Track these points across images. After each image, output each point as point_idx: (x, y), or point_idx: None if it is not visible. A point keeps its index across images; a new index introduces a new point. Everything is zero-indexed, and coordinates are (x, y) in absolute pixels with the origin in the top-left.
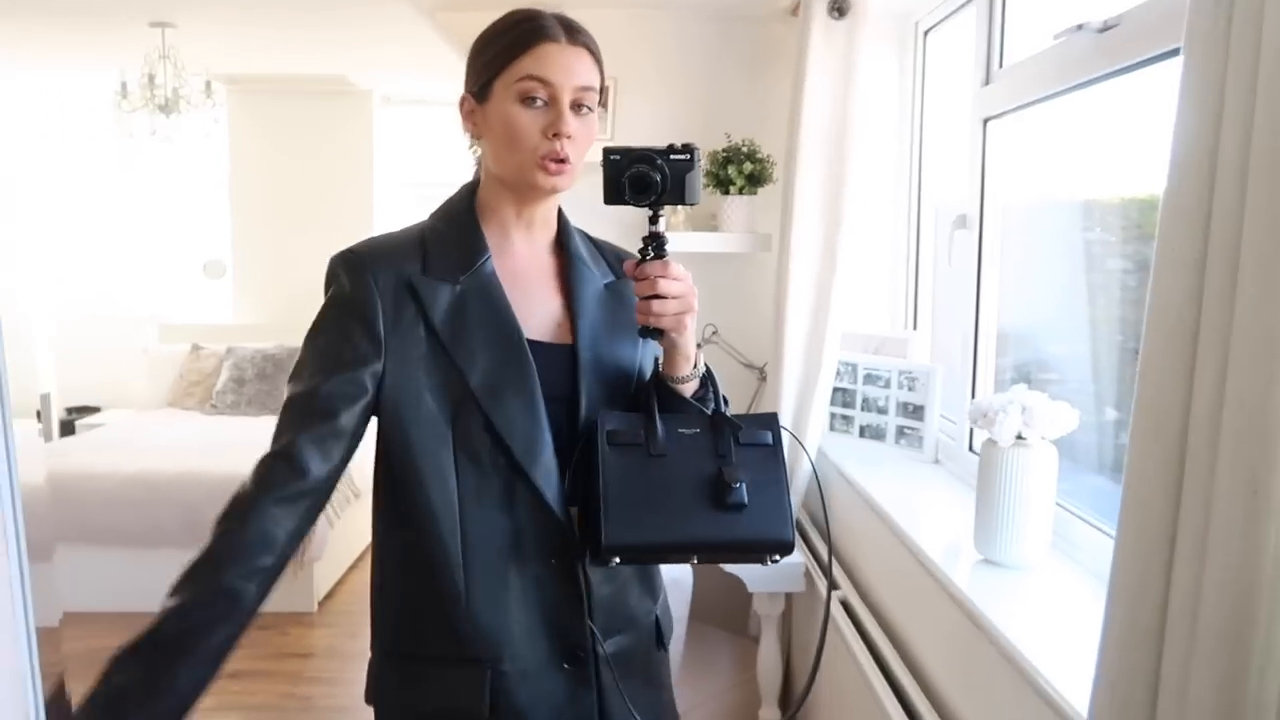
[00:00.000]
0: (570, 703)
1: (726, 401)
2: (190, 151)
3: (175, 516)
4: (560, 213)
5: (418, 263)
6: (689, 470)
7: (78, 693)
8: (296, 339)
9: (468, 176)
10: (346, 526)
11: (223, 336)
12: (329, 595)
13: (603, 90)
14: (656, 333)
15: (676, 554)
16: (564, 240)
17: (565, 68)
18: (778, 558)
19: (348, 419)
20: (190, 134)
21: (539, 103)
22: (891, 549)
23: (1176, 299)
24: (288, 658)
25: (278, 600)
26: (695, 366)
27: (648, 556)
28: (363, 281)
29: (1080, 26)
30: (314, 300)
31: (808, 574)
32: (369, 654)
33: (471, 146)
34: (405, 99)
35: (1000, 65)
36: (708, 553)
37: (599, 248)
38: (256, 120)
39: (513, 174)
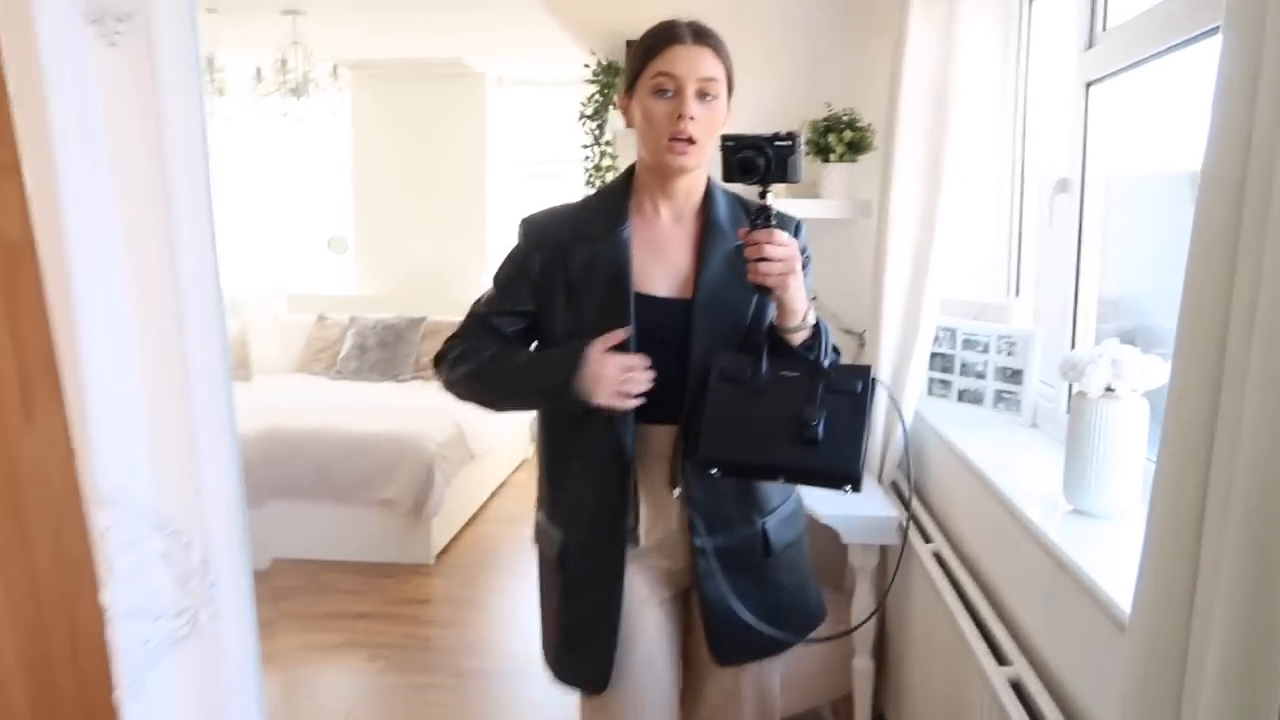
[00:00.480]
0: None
1: (837, 351)
2: (316, 132)
3: (305, 471)
4: (709, 183)
5: (570, 228)
6: (781, 406)
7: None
8: (415, 309)
9: (576, 155)
10: (461, 486)
11: (346, 307)
12: (445, 549)
13: (730, 83)
14: (764, 289)
15: (762, 473)
16: (707, 208)
17: (689, 63)
18: (849, 489)
19: (509, 338)
20: (317, 116)
21: (669, 94)
22: (983, 502)
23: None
24: (409, 603)
25: (399, 552)
26: (804, 320)
27: (738, 471)
28: (529, 242)
29: None
30: (432, 273)
31: (900, 528)
32: (482, 601)
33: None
34: (517, 80)
35: (1104, 28)
36: (786, 476)
37: (741, 209)
38: (378, 102)
39: (651, 155)
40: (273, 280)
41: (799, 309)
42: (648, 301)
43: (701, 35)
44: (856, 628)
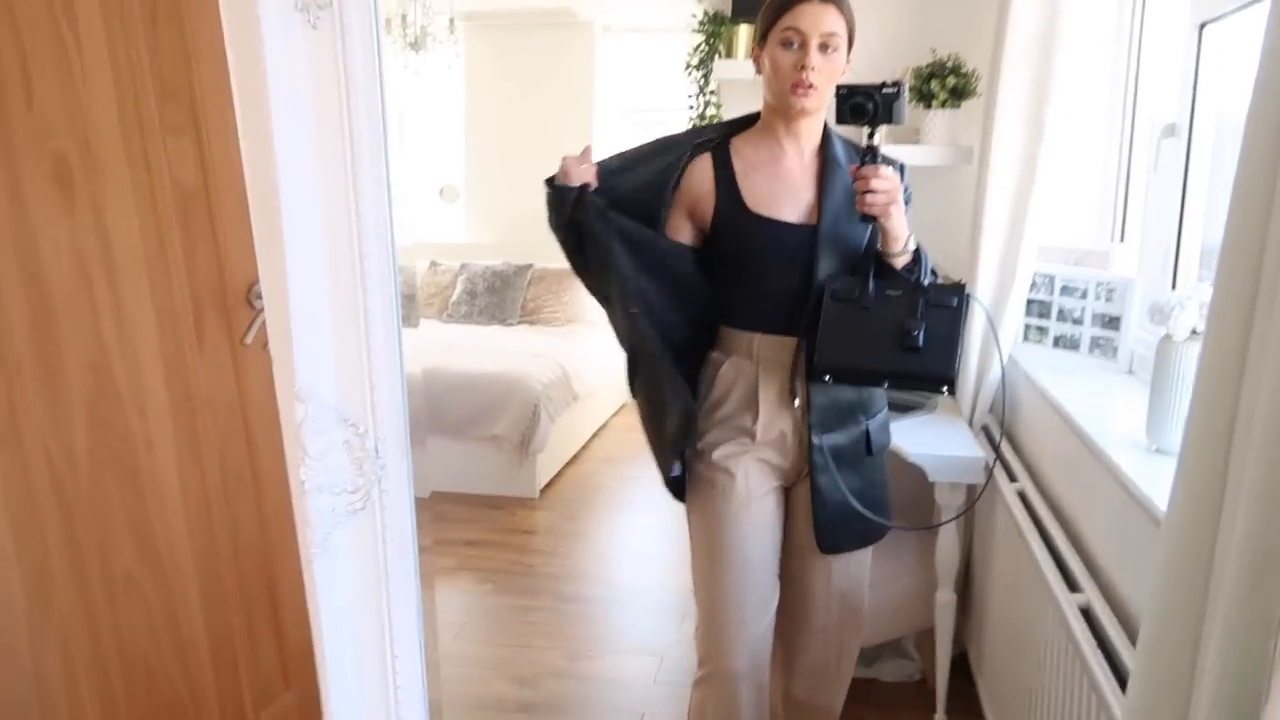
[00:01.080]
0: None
1: (935, 274)
2: (430, 84)
3: (420, 408)
4: (825, 127)
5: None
6: (887, 319)
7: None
8: (523, 257)
9: (681, 103)
10: (565, 426)
11: (457, 254)
12: (549, 484)
13: (851, 37)
14: (871, 218)
15: (870, 378)
16: (825, 148)
17: (814, 19)
18: (946, 390)
19: None
20: (434, 68)
21: (795, 46)
22: (1068, 443)
23: (1261, 163)
24: (514, 533)
25: (506, 485)
26: (905, 246)
27: (849, 377)
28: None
29: None
30: (539, 221)
31: (987, 468)
32: (582, 533)
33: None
34: (625, 27)
35: None
36: (892, 380)
37: (856, 151)
38: (490, 53)
39: (777, 98)
40: (397, 225)
41: (900, 235)
42: (779, 226)
43: None
44: (956, 518)
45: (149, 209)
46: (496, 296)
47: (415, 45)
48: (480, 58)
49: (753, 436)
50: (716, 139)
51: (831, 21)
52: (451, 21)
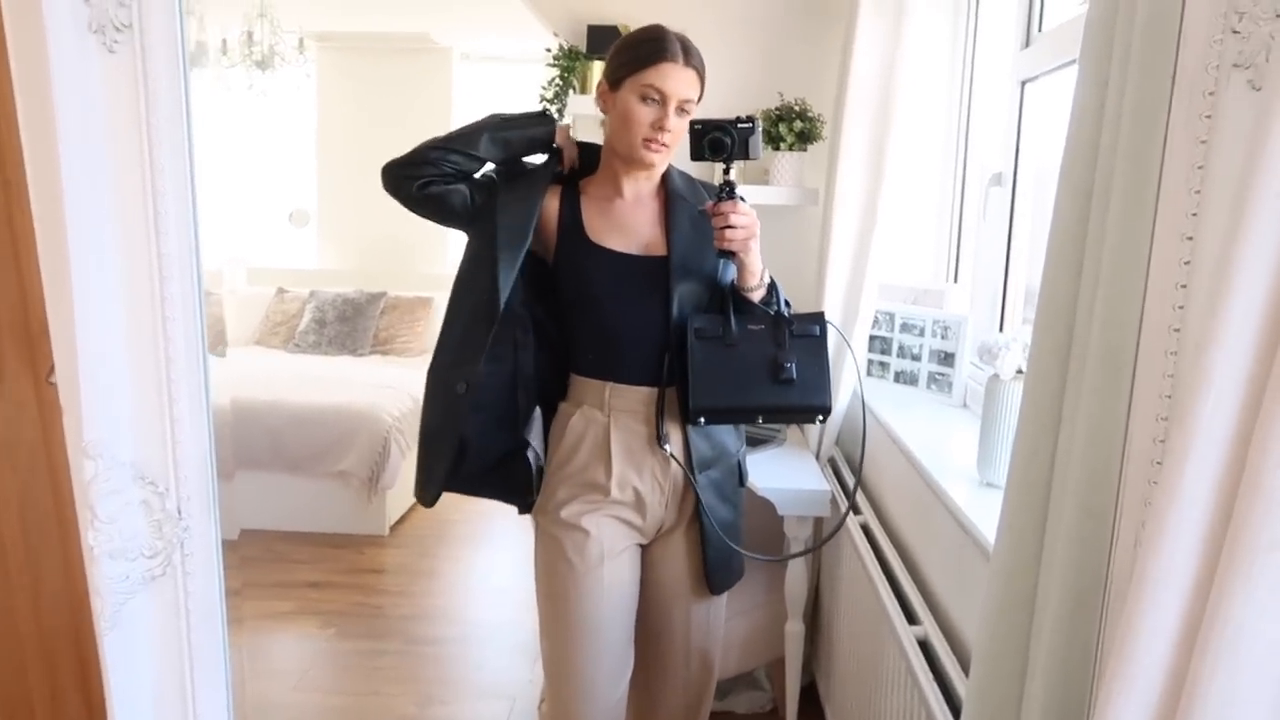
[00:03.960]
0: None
1: (788, 304)
2: (281, 105)
3: (261, 444)
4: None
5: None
6: (755, 355)
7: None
8: (376, 284)
9: None
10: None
11: (306, 281)
12: (400, 521)
13: (701, 98)
14: (730, 254)
15: (746, 415)
16: (666, 183)
17: (677, 83)
18: (822, 419)
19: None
20: (283, 89)
21: (654, 102)
22: (908, 477)
23: (1071, 223)
24: (362, 573)
25: (353, 523)
26: (761, 280)
27: (725, 417)
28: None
29: None
30: (393, 247)
31: (833, 501)
32: (434, 571)
33: (602, 122)
34: (483, 56)
35: (1039, 29)
36: (768, 415)
37: (695, 184)
38: (344, 75)
39: (624, 148)
40: (232, 252)
41: (758, 269)
42: (625, 259)
43: (690, 56)
44: (824, 542)
45: None
46: (347, 325)
47: (262, 64)
48: (333, 80)
49: (606, 493)
50: (563, 172)
51: (691, 87)
52: (301, 42)
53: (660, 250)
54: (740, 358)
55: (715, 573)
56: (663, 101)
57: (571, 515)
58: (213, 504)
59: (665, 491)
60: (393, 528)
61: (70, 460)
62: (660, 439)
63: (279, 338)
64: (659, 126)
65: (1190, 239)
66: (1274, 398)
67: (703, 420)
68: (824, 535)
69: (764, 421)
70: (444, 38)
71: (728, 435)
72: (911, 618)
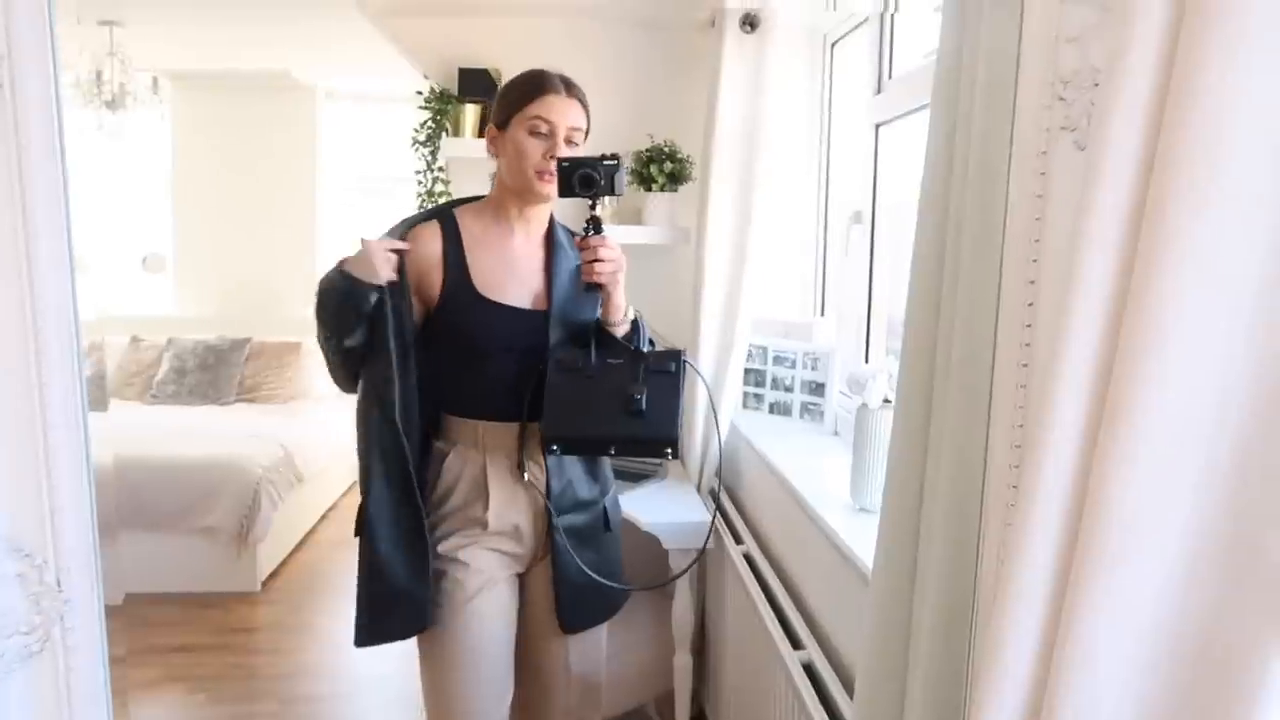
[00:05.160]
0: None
1: (652, 342)
2: (131, 146)
3: (117, 502)
4: (551, 216)
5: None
6: (611, 387)
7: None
8: (238, 330)
9: (410, 173)
10: (289, 510)
11: (163, 328)
12: (272, 575)
13: (588, 130)
14: (597, 287)
15: (597, 446)
16: (551, 234)
17: (562, 112)
18: (670, 452)
19: None
20: (135, 129)
21: (542, 134)
22: (786, 504)
23: (929, 265)
24: (233, 633)
25: (223, 580)
26: (626, 316)
27: (578, 447)
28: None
29: None
30: (256, 291)
31: (716, 533)
32: (310, 625)
33: (493, 175)
34: (349, 94)
35: (890, 76)
36: (619, 445)
37: (574, 237)
38: (201, 115)
39: (518, 183)
40: (81, 301)
41: (622, 304)
42: (510, 312)
43: (572, 88)
44: (683, 571)
45: None
46: (210, 374)
47: (112, 105)
48: (189, 119)
49: (484, 525)
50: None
51: (577, 116)
52: (155, 81)
53: (542, 304)
54: (596, 389)
55: (565, 610)
56: (551, 133)
57: (449, 549)
58: (96, 573)
59: (535, 522)
60: (264, 583)
61: None
62: (521, 467)
63: (134, 389)
64: (549, 156)
65: (1033, 282)
66: (1108, 427)
67: (556, 449)
68: (709, 569)
69: (615, 453)
70: (306, 75)
71: (589, 478)
72: (795, 642)
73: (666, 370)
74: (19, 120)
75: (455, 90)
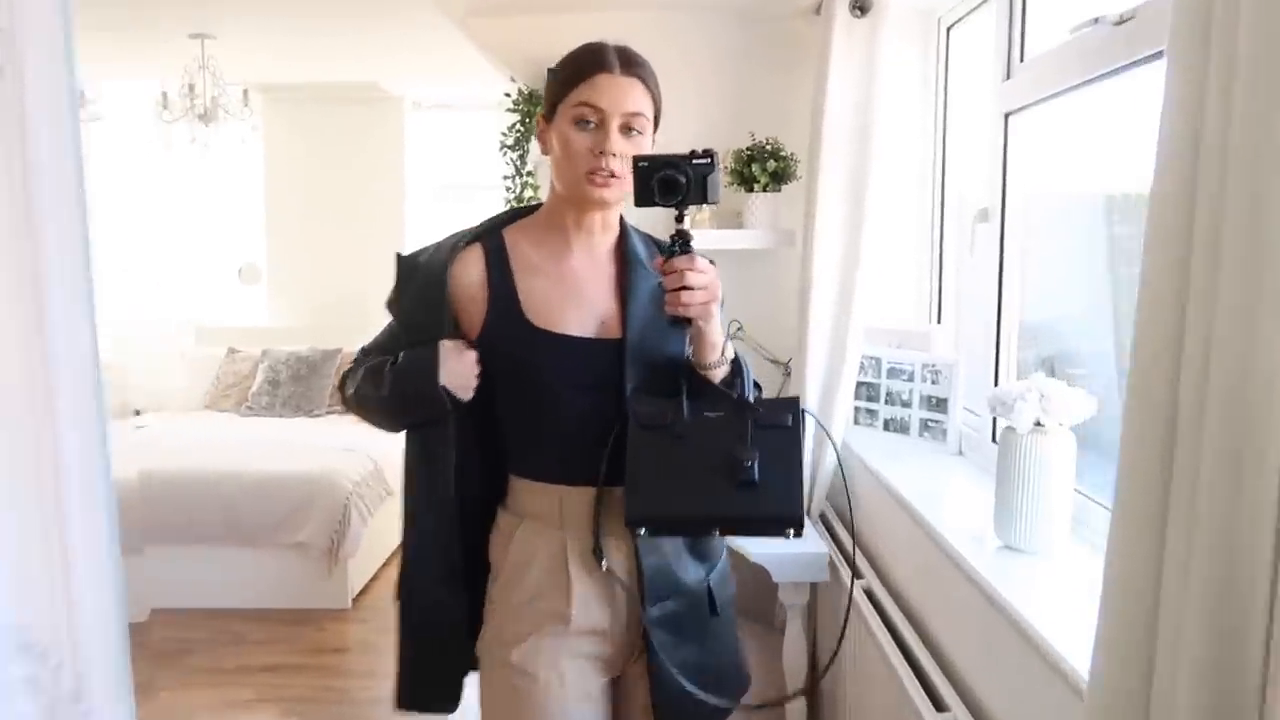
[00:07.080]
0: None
1: (758, 387)
2: (227, 159)
3: (214, 514)
4: (621, 220)
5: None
6: (709, 449)
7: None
8: (330, 341)
9: (496, 180)
10: (379, 525)
11: (258, 340)
12: (363, 592)
13: (657, 117)
14: (685, 321)
15: (696, 527)
16: (623, 245)
17: (615, 95)
18: (791, 533)
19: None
20: (228, 142)
21: (591, 125)
22: (913, 537)
23: (1165, 284)
24: (324, 653)
25: (313, 597)
26: (723, 354)
27: (670, 528)
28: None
29: (1097, 20)
30: (348, 303)
31: (832, 564)
32: None
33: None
34: (435, 103)
35: (1021, 60)
36: (725, 526)
37: (660, 248)
38: (291, 127)
39: (568, 186)
40: (180, 313)
41: (718, 341)
42: (569, 342)
43: (630, 64)
44: (794, 696)
45: None
46: (302, 385)
47: (205, 117)
48: (280, 131)
49: (567, 622)
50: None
51: (637, 99)
52: (246, 93)
53: (615, 331)
54: (691, 453)
55: None
56: (601, 122)
57: (523, 659)
58: (124, 676)
59: (622, 615)
60: (355, 600)
61: None
62: (597, 553)
63: (231, 400)
64: (600, 151)
65: None
66: None
67: (643, 531)
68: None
69: (721, 534)
70: (394, 86)
71: (692, 556)
72: (938, 703)
73: (782, 424)
74: (28, 130)
75: (543, 91)
